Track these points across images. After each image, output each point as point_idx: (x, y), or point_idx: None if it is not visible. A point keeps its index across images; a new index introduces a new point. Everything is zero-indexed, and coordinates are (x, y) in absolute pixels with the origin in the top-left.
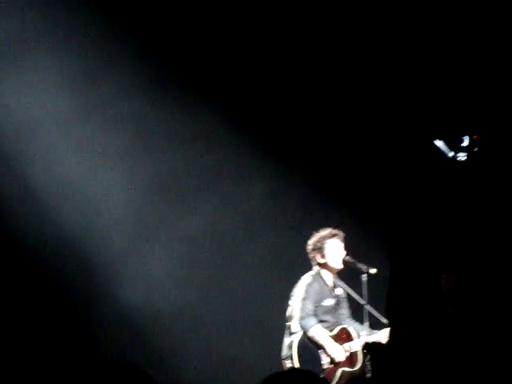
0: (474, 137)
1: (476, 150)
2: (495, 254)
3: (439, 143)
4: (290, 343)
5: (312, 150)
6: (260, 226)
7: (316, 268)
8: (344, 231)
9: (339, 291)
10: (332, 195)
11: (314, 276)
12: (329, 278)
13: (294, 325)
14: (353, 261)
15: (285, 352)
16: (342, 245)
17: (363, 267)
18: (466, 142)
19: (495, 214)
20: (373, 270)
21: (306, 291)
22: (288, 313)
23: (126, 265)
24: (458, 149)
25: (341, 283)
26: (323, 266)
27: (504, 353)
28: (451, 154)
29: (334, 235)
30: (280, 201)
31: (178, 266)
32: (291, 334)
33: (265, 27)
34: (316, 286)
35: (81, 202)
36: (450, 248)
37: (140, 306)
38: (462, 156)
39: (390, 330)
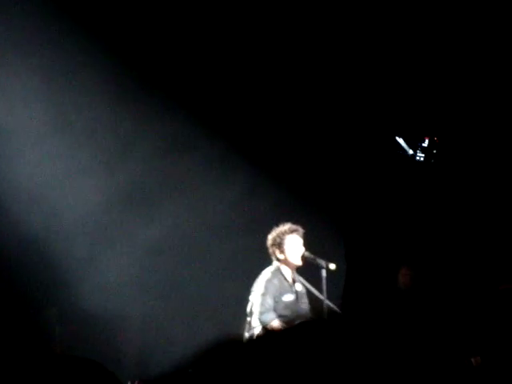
0: (435, 139)
1: (435, 151)
2: (451, 249)
3: (400, 140)
4: (250, 338)
5: (271, 147)
6: (224, 230)
7: (275, 263)
8: (304, 227)
9: (299, 287)
10: (293, 191)
11: (273, 272)
12: (288, 273)
13: (254, 320)
14: (312, 256)
15: None
16: (301, 240)
17: (323, 263)
18: (426, 143)
19: (450, 213)
20: (332, 266)
21: (266, 287)
22: (248, 308)
23: (87, 270)
24: (417, 148)
25: (300, 279)
26: (282, 261)
27: (455, 344)
28: (411, 152)
29: (293, 231)
30: (245, 204)
31: (140, 272)
32: (251, 328)
33: (236, 36)
34: (275, 281)
35: (45, 208)
36: (408, 243)
37: (101, 311)
38: (420, 156)
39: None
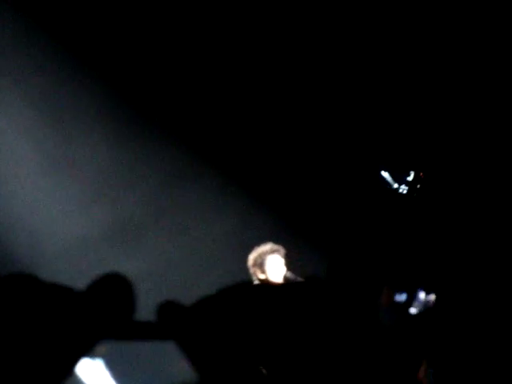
0: (420, 174)
1: (418, 186)
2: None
3: (385, 174)
4: None
5: (253, 164)
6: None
7: (257, 284)
8: (285, 246)
9: None
10: (272, 210)
11: None
12: None
13: None
14: (294, 277)
15: None
16: (282, 261)
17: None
18: (411, 177)
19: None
20: None
21: None
22: None
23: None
24: (402, 181)
25: None
26: (264, 281)
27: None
28: (395, 185)
29: (274, 251)
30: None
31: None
32: None
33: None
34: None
35: (31, 235)
36: (388, 264)
37: None
38: (403, 189)
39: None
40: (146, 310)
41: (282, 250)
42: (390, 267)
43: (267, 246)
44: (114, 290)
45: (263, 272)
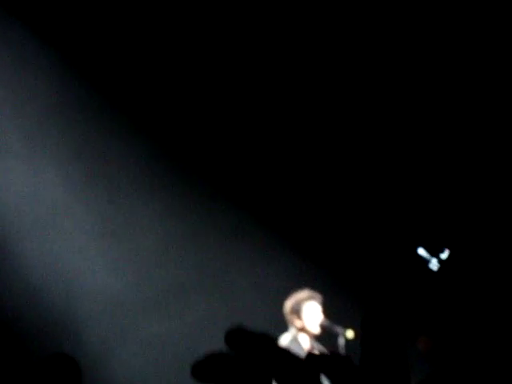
0: (454, 252)
1: (451, 264)
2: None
3: (421, 251)
4: None
5: (300, 221)
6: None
7: (292, 331)
8: (321, 293)
9: None
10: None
11: (290, 341)
12: (306, 341)
13: None
14: (330, 324)
15: None
16: (319, 308)
17: (340, 331)
18: (445, 255)
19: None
20: (350, 334)
21: None
22: None
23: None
24: (436, 257)
25: (318, 346)
26: (300, 329)
27: None
28: (432, 260)
29: (311, 297)
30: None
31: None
32: None
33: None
34: (293, 351)
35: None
36: (425, 313)
37: None
38: (435, 265)
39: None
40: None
41: (319, 297)
42: (424, 315)
43: (304, 293)
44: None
45: (300, 319)
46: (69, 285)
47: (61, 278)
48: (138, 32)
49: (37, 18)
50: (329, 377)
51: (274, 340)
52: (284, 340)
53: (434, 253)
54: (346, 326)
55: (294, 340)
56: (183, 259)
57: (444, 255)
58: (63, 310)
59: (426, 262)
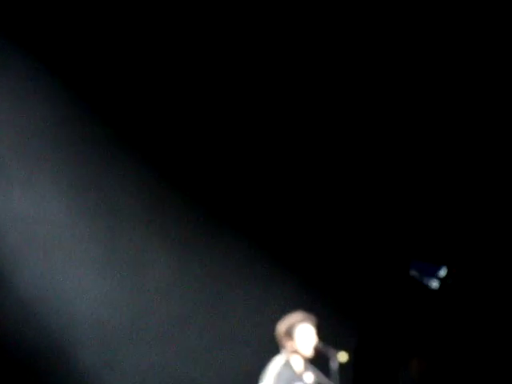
0: (453, 270)
1: (450, 281)
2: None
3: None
4: None
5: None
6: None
7: (285, 353)
8: (315, 316)
9: (309, 378)
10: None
11: (283, 364)
12: (299, 364)
13: None
14: (323, 347)
15: None
16: (313, 330)
17: (333, 353)
18: (443, 273)
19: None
20: (343, 357)
21: (276, 380)
22: None
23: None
24: (434, 276)
25: (311, 369)
26: (293, 351)
27: None
28: (431, 281)
29: (305, 320)
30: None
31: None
32: None
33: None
34: (286, 374)
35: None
36: (418, 336)
37: None
38: (435, 284)
39: None
40: None
41: (313, 319)
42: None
43: (297, 315)
44: None
45: (293, 342)
46: (66, 306)
47: (58, 302)
48: (135, 59)
49: (37, 45)
50: None
51: None
52: (276, 363)
53: (432, 270)
54: (340, 349)
55: (287, 363)
56: (184, 291)
57: (442, 273)
58: (58, 331)
59: (423, 280)
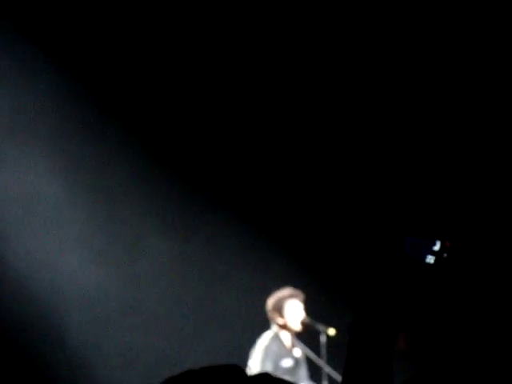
0: (446, 243)
1: (445, 255)
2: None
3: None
4: None
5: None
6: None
7: (274, 328)
8: (303, 292)
9: (298, 352)
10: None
11: (272, 337)
12: (287, 338)
13: None
14: (311, 322)
15: None
16: (301, 306)
17: (322, 328)
18: (437, 246)
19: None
20: (331, 332)
21: (265, 353)
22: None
23: None
24: (429, 251)
25: (299, 344)
26: (282, 326)
27: None
28: (426, 256)
29: (293, 296)
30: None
31: None
32: None
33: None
34: (274, 347)
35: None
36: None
37: None
38: (430, 259)
39: None
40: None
41: (301, 295)
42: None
43: (286, 291)
44: None
45: (282, 317)
46: (57, 287)
47: (50, 283)
48: (131, 47)
49: (35, 32)
50: None
51: None
52: (265, 337)
53: (425, 246)
54: (328, 324)
55: (276, 337)
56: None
57: (436, 247)
58: (47, 311)
59: (419, 256)
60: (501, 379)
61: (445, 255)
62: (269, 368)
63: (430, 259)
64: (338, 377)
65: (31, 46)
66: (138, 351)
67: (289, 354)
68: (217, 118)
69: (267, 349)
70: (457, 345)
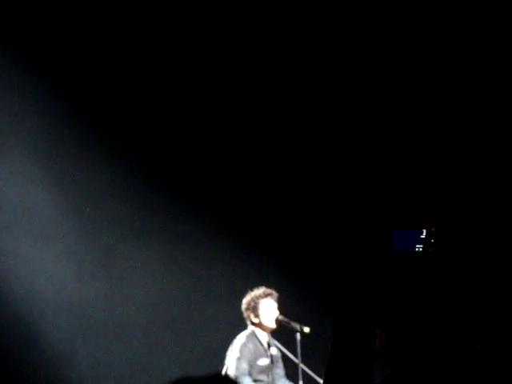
0: (432, 229)
1: (432, 241)
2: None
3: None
4: None
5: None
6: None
7: (250, 327)
8: (277, 291)
9: (274, 350)
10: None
11: (248, 336)
12: (263, 337)
13: None
14: (286, 320)
15: None
16: (275, 304)
17: (297, 326)
18: (423, 234)
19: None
20: (306, 329)
21: (241, 351)
22: (223, 372)
23: None
24: (416, 240)
25: (275, 342)
26: (257, 325)
27: None
28: (415, 246)
29: (267, 295)
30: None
31: None
32: None
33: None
34: (250, 345)
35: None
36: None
37: None
38: (419, 247)
39: None
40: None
41: (275, 294)
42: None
43: (260, 290)
44: None
45: (257, 316)
46: (32, 292)
47: (25, 288)
48: (116, 54)
49: (25, 47)
50: None
51: None
52: (242, 335)
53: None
54: (303, 323)
55: (252, 336)
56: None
57: (423, 235)
58: (20, 315)
59: (407, 248)
60: (482, 377)
61: (432, 241)
62: (245, 366)
63: (419, 248)
64: (313, 375)
65: (13, 55)
66: (113, 359)
67: (265, 352)
68: (200, 125)
69: (243, 347)
70: (437, 341)
